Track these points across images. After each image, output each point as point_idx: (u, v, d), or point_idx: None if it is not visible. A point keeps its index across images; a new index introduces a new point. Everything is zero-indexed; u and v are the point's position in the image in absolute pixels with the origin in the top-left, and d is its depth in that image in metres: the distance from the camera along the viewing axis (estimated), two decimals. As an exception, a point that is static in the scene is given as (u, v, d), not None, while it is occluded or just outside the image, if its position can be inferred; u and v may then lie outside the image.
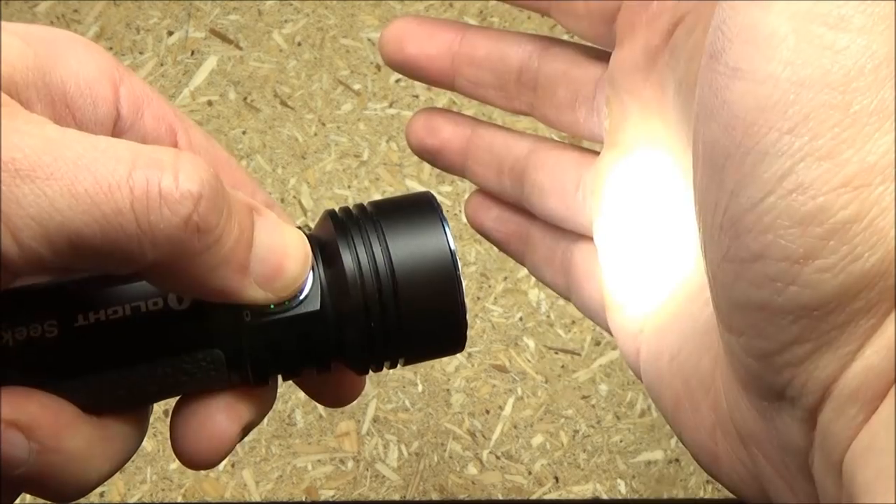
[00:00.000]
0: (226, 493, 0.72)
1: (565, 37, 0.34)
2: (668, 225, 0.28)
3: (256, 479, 0.72)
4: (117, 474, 0.26)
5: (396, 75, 0.89)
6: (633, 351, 0.29)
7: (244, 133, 0.86)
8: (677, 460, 0.74)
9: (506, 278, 0.80)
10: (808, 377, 0.20)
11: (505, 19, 0.91)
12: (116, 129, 0.25)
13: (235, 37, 0.90)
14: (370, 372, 0.26)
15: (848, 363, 0.20)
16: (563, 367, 0.77)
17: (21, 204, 0.18)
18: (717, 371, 0.25)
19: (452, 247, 0.25)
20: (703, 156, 0.21)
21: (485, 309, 0.79)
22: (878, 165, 0.19)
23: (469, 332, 0.26)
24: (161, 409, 0.71)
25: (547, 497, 0.73)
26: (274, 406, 0.27)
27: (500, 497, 0.72)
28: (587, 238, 0.31)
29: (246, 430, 0.25)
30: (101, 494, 0.71)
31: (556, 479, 0.73)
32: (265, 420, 0.26)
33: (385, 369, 0.26)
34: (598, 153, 0.31)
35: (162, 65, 0.89)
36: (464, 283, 0.25)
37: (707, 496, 0.73)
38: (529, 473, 0.73)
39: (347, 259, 0.24)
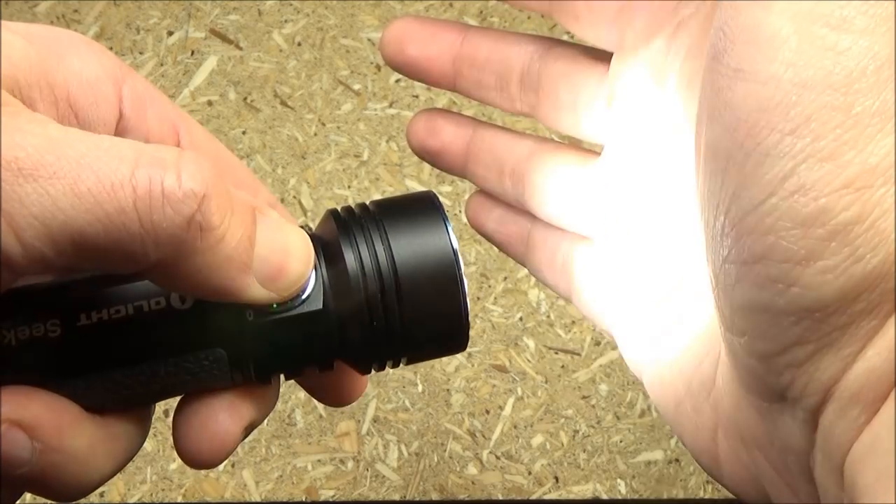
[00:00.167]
0: (226, 493, 0.72)
1: (565, 37, 0.34)
2: (670, 226, 0.28)
3: (256, 479, 0.72)
4: (117, 474, 0.26)
5: (396, 75, 0.89)
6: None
7: (244, 133, 0.86)
8: (677, 460, 0.74)
9: (506, 278, 0.80)
10: (810, 379, 0.20)
11: (505, 19, 0.91)
12: (119, 128, 0.25)
13: (235, 37, 0.90)
14: (372, 371, 0.26)
15: (849, 365, 0.20)
16: (563, 367, 0.77)
17: (24, 203, 0.18)
18: (719, 372, 0.25)
19: (455, 246, 0.25)
20: (704, 157, 0.21)
21: (485, 309, 0.79)
22: (879, 167, 0.19)
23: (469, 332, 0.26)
24: (161, 409, 0.71)
25: (547, 497, 0.73)
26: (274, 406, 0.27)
27: (500, 497, 0.72)
28: (588, 239, 0.31)
29: (248, 430, 0.25)
30: (101, 494, 0.71)
31: (556, 479, 0.73)
32: (265, 420, 0.26)
33: (387, 368, 0.26)
34: (599, 154, 0.31)
35: (162, 65, 0.89)
36: (466, 282, 0.25)
37: (707, 496, 0.73)
38: (529, 473, 0.73)
39: (350, 258, 0.24)
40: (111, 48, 0.89)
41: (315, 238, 0.25)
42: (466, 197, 0.33)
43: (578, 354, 0.78)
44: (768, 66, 0.19)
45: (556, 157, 0.31)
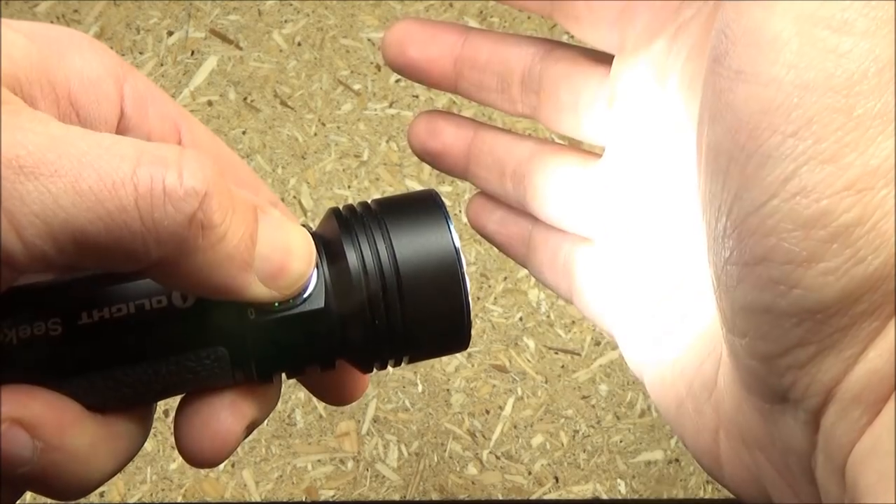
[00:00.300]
0: (226, 493, 0.72)
1: (565, 38, 0.34)
2: (671, 227, 0.28)
3: (256, 479, 0.72)
4: (118, 474, 0.26)
5: (396, 75, 0.89)
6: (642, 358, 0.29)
7: (244, 133, 0.86)
8: (677, 460, 0.74)
9: (506, 278, 0.80)
10: (812, 380, 0.20)
11: (505, 19, 0.91)
12: (120, 126, 0.25)
13: (235, 37, 0.90)
14: (374, 370, 0.26)
15: (851, 366, 0.20)
16: (563, 367, 0.77)
17: (25, 201, 0.18)
18: (720, 373, 0.25)
19: (457, 244, 0.25)
20: (706, 159, 0.21)
21: (485, 309, 0.79)
22: (881, 169, 0.19)
23: (469, 332, 0.26)
24: (161, 409, 0.71)
25: (547, 497, 0.73)
26: (274, 406, 0.27)
27: (500, 497, 0.72)
28: (589, 241, 0.31)
29: (250, 429, 0.25)
30: (101, 494, 0.71)
31: (556, 479, 0.73)
32: (265, 420, 0.26)
33: (389, 367, 0.26)
34: (600, 156, 0.31)
35: (162, 65, 0.89)
36: (468, 282, 0.25)
37: (707, 496, 0.73)
38: (529, 473, 0.73)
39: (352, 257, 0.24)
40: (111, 48, 0.89)
41: (317, 237, 0.25)
42: (467, 197, 0.33)
43: (578, 354, 0.78)
44: (770, 68, 0.19)
45: (557, 159, 0.31)
